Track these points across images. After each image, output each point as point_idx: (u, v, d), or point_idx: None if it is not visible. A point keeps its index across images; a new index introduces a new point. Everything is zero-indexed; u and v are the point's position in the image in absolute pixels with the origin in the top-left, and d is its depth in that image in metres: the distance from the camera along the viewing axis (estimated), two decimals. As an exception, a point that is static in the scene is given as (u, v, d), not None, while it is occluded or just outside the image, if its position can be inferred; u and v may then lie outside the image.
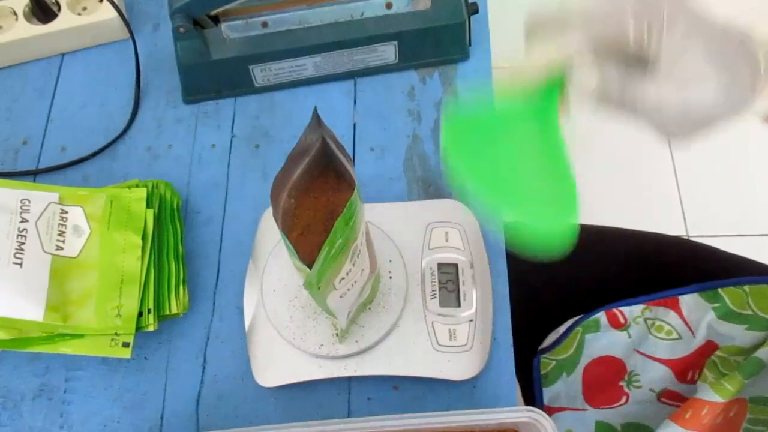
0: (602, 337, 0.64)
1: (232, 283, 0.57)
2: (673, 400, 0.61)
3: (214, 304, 0.57)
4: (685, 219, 1.30)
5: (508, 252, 0.60)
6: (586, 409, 0.62)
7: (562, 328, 0.64)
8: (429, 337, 0.52)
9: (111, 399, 0.53)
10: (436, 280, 0.54)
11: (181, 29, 0.56)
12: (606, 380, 0.63)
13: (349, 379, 0.53)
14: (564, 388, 0.64)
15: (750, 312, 0.58)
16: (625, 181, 1.34)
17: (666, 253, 0.71)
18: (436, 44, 0.63)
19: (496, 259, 0.57)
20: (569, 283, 0.70)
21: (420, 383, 0.53)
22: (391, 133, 0.63)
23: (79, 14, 0.65)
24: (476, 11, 0.63)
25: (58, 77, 0.67)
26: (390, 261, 0.54)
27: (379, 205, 0.57)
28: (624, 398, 0.63)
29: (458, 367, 0.51)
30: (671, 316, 0.62)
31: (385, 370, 0.51)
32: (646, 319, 0.63)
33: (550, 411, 0.64)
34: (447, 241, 0.56)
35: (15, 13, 0.64)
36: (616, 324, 0.63)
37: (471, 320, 0.53)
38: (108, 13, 0.65)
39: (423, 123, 0.63)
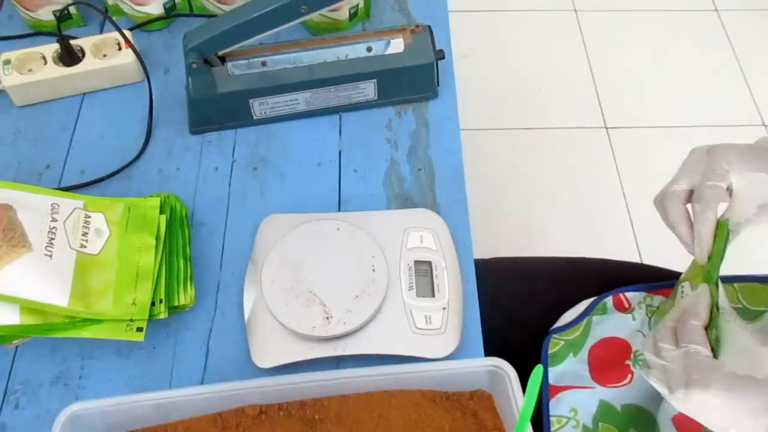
0: (609, 319, 0.70)
1: (232, 284, 0.65)
2: None
3: (216, 301, 0.64)
4: (639, 250, 1.42)
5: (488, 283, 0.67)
6: (593, 387, 0.67)
7: (579, 308, 0.70)
8: (408, 321, 0.59)
9: (122, 384, 0.59)
10: (413, 274, 0.62)
11: (194, 65, 0.66)
12: (613, 359, 0.68)
13: (338, 359, 0.60)
14: (570, 368, 0.69)
15: (740, 305, 0.66)
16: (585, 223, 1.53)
17: (628, 275, 0.79)
18: (410, 82, 0.74)
19: (465, 261, 0.66)
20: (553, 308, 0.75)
21: (400, 362, 0.59)
22: (372, 158, 0.73)
23: (101, 59, 0.75)
24: (443, 57, 0.74)
25: (78, 113, 0.76)
26: (373, 257, 0.62)
27: (363, 213, 0.66)
28: (629, 377, 0.67)
29: (433, 346, 0.59)
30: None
31: (369, 349, 0.58)
32: (648, 306, 0.70)
33: (555, 390, 0.68)
34: (422, 242, 0.64)
35: (44, 58, 0.74)
36: (622, 308, 0.70)
37: (444, 308, 0.60)
38: (126, 58, 0.75)
39: (399, 149, 0.73)
